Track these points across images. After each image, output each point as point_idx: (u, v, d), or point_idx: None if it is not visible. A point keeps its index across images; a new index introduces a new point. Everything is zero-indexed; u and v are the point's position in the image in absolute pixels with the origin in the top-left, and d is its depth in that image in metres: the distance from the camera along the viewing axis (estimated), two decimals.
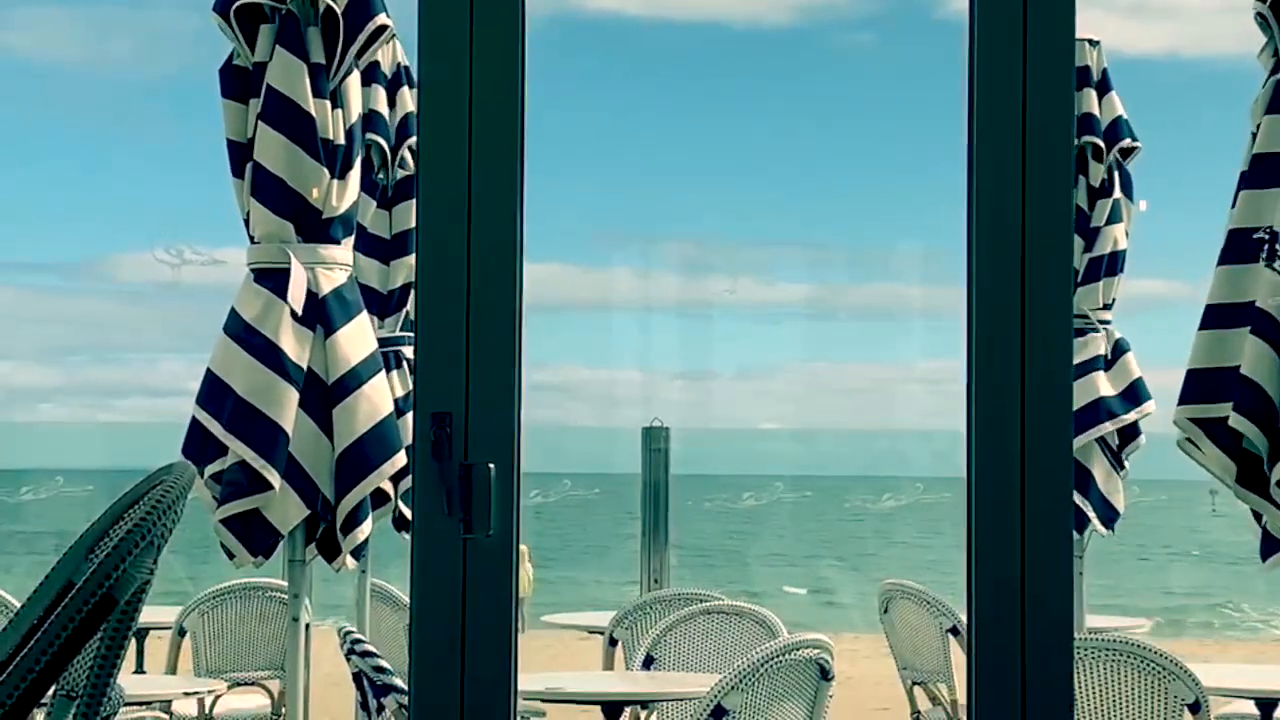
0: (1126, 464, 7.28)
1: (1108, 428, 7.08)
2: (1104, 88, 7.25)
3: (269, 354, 5.26)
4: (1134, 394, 7.18)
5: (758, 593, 27.94)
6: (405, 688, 4.19)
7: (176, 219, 53.19)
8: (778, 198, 54.64)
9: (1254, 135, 4.66)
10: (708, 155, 54.21)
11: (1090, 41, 7.27)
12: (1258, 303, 4.51)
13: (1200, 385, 4.62)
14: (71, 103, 54.10)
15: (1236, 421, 4.47)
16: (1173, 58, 55.30)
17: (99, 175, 56.11)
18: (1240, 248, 4.58)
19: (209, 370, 5.34)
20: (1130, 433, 7.22)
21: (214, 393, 5.30)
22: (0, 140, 53.84)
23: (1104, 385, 7.10)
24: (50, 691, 2.69)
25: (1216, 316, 4.60)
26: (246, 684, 7.46)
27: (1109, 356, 7.18)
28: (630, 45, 54.51)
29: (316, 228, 5.35)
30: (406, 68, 7.00)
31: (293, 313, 5.27)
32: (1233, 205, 4.64)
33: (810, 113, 53.39)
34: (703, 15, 53.40)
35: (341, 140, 5.37)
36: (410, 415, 3.74)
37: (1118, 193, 7.20)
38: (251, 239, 5.37)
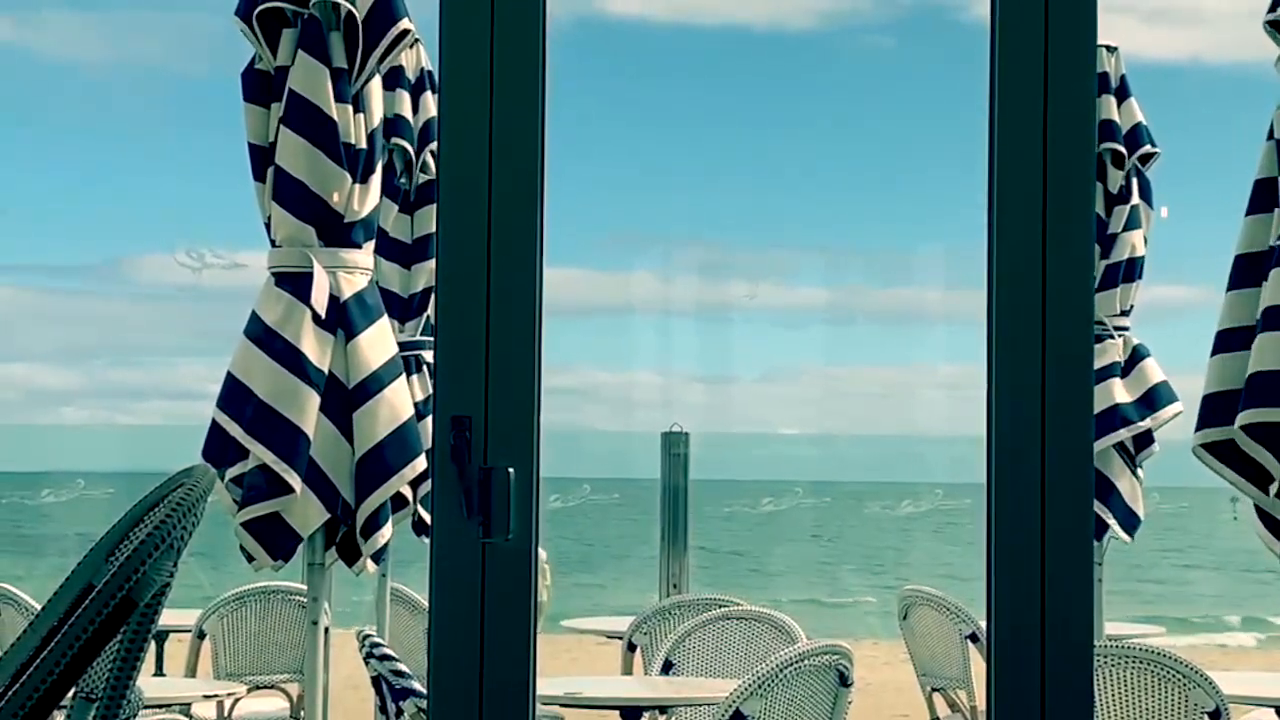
0: (1141, 471, 7.26)
1: (1122, 435, 7.06)
2: (1123, 94, 7.24)
3: (290, 357, 5.27)
4: (1152, 400, 7.16)
5: (777, 598, 27.92)
6: (424, 691, 4.20)
7: (197, 222, 53.33)
8: (798, 201, 54.63)
9: (1278, 142, 4.65)
10: (728, 159, 54.21)
11: (1108, 48, 7.27)
12: None
13: (1266, 389, 4.57)
14: (94, 105, 54.26)
15: None
16: (1195, 63, 55.19)
17: (121, 178, 56.26)
18: None
19: (229, 373, 5.35)
20: (1144, 439, 7.21)
21: (235, 396, 5.31)
22: (23, 142, 54.02)
23: (1119, 392, 7.09)
24: (70, 694, 2.70)
25: (1277, 319, 4.57)
26: (266, 687, 7.48)
27: (1125, 363, 7.16)
28: (652, 49, 54.53)
29: (338, 232, 5.36)
30: (430, 72, 7.02)
31: (314, 316, 5.28)
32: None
33: (831, 116, 53.37)
34: (724, 19, 53.42)
35: (363, 144, 5.38)
36: (430, 419, 3.75)
37: (1136, 199, 7.19)
38: (273, 242, 5.39)
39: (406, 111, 6.91)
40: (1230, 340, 4.65)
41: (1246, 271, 4.64)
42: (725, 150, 53.50)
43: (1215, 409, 4.66)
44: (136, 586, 2.55)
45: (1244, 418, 4.58)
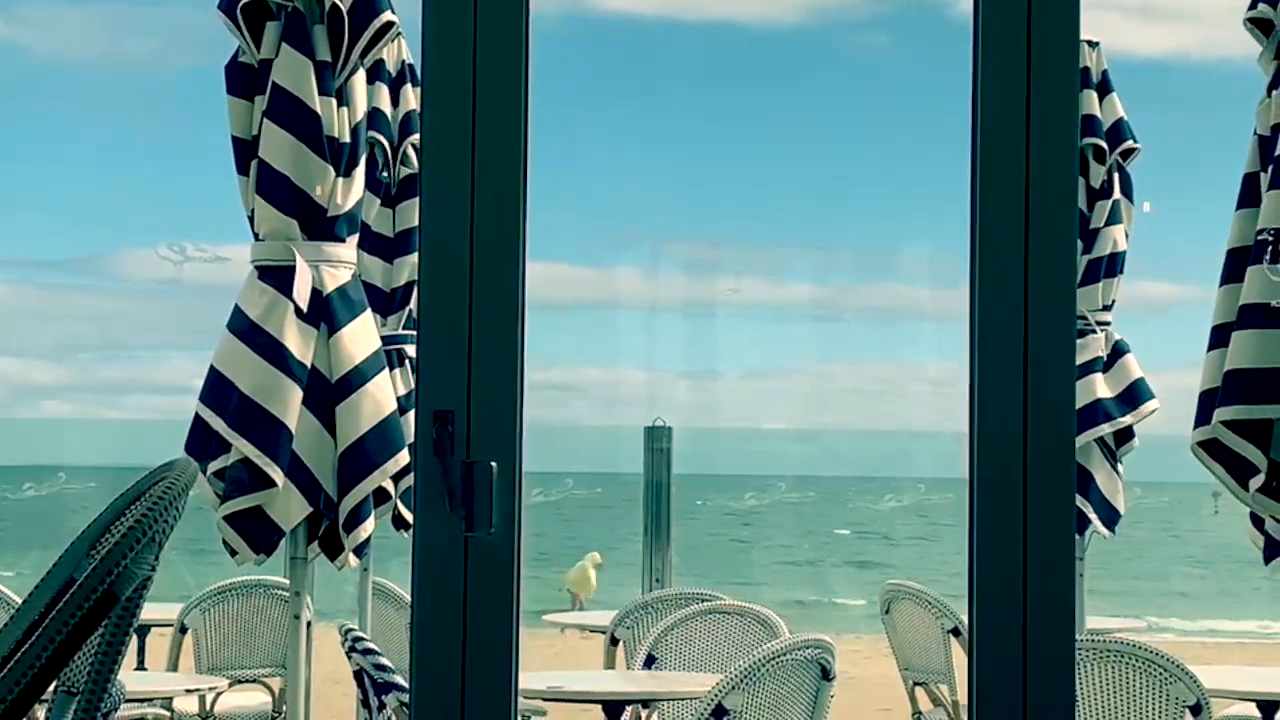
0: (1121, 465, 7.26)
1: (1104, 429, 7.07)
2: (1104, 89, 7.24)
3: (273, 351, 5.26)
4: (1132, 395, 7.16)
5: (759, 592, 27.93)
6: (406, 685, 4.19)
7: (182, 215, 53.28)
8: (786, 198, 54.65)
9: (1262, 137, 4.66)
10: (716, 155, 54.23)
11: (1090, 43, 7.26)
12: (1272, 302, 4.50)
13: (1242, 386, 4.57)
14: (81, 100, 54.16)
15: None
16: (1183, 59, 55.31)
17: (108, 172, 56.15)
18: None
19: (213, 367, 5.34)
20: (1124, 434, 7.21)
21: (218, 390, 5.30)
22: (11, 137, 53.90)
23: (1101, 387, 7.09)
24: (51, 688, 2.69)
25: (1252, 317, 4.57)
26: (248, 681, 7.46)
27: (1107, 358, 7.17)
28: (641, 44, 54.53)
29: (321, 225, 5.35)
30: (411, 65, 7.01)
31: (297, 310, 5.27)
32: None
33: (820, 113, 53.40)
34: (714, 15, 53.42)
35: (347, 138, 5.38)
36: (412, 413, 3.74)
37: (1117, 194, 7.20)
38: (256, 236, 5.38)
39: (386, 105, 6.90)
40: (1225, 336, 4.65)
41: (1237, 266, 4.64)
42: (713, 146, 53.54)
43: (1212, 405, 4.65)
44: (118, 580, 2.55)
45: (1221, 414, 4.58)
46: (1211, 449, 4.68)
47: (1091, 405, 7.02)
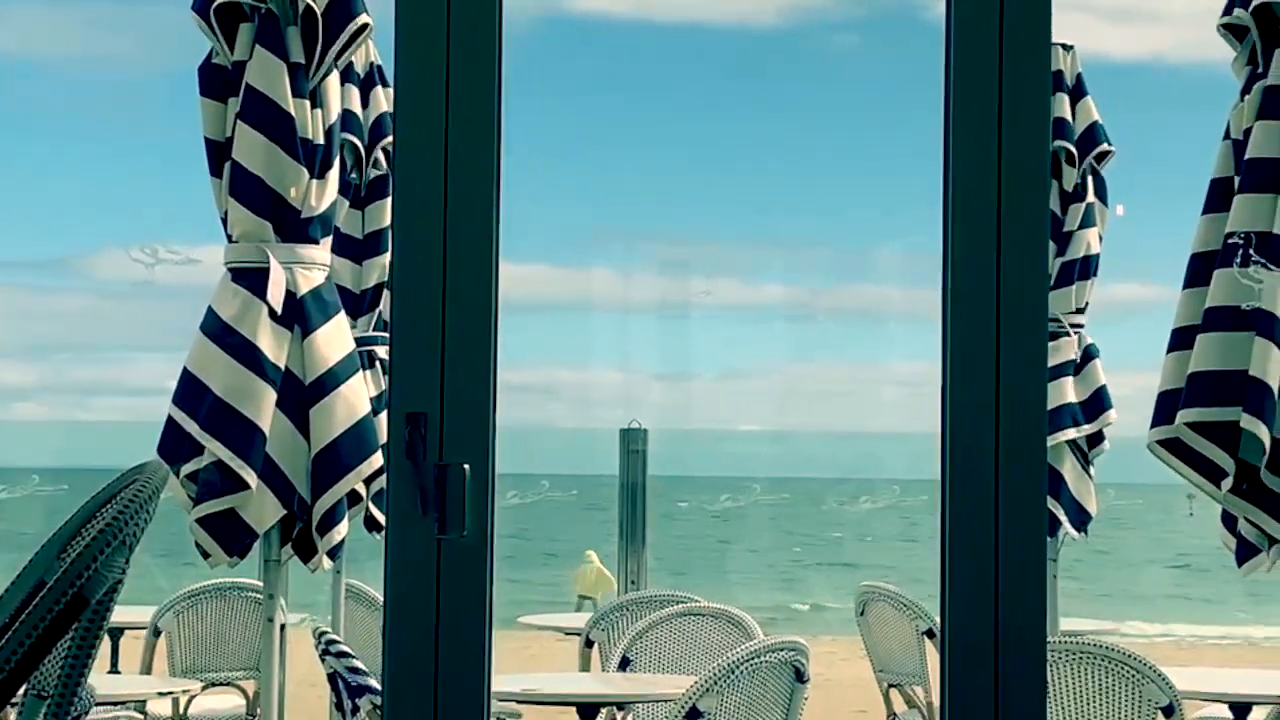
0: (1093, 467, 7.27)
1: (1070, 434, 7.07)
2: (1078, 92, 7.25)
3: (247, 353, 5.25)
4: (1097, 402, 7.17)
5: (734, 594, 27.95)
6: (379, 688, 4.19)
7: (155, 217, 53.16)
8: (760, 199, 54.68)
9: (1235, 142, 4.67)
10: (690, 156, 54.25)
11: (1064, 46, 7.27)
12: (1242, 305, 4.52)
13: (1206, 388, 4.58)
14: (52, 99, 54.00)
15: (1249, 423, 4.45)
16: (1158, 62, 55.48)
17: (82, 173, 55.97)
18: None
19: (186, 369, 5.33)
20: (1095, 435, 7.22)
21: (191, 392, 5.29)
22: None
23: (1070, 392, 7.10)
24: (21, 691, 2.68)
25: (1218, 319, 4.58)
26: (221, 684, 7.45)
27: (1078, 361, 7.17)
28: (615, 45, 54.54)
29: (295, 227, 5.34)
30: (380, 67, 7.00)
31: (271, 312, 5.26)
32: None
33: (793, 114, 53.43)
34: (688, 16, 53.46)
35: (321, 140, 5.37)
36: (384, 415, 3.74)
37: (1091, 197, 7.20)
38: (229, 238, 5.37)
39: (356, 106, 6.89)
40: (1185, 338, 4.67)
41: (1202, 270, 4.66)
42: (686, 147, 53.56)
43: (1170, 406, 4.68)
44: (88, 583, 2.54)
45: (1184, 416, 4.60)
46: (1173, 448, 4.70)
47: (1060, 408, 7.02)
